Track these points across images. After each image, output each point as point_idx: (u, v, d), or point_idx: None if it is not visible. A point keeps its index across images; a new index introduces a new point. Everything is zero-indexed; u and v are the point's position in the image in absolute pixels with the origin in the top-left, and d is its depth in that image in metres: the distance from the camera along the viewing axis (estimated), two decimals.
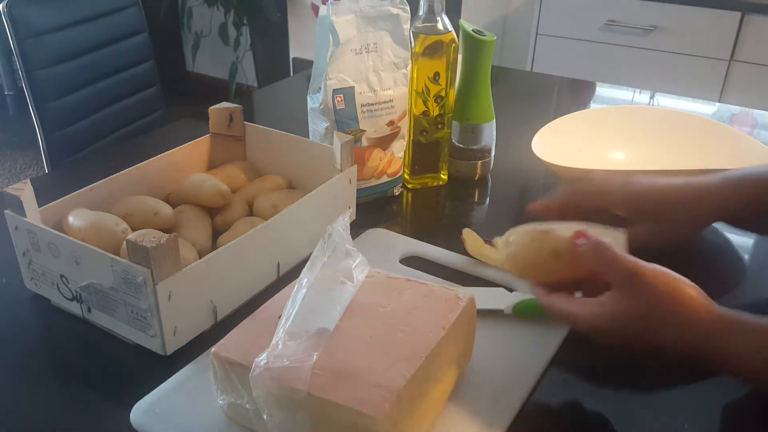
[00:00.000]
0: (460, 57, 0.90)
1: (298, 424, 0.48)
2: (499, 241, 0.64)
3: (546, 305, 0.58)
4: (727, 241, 0.82)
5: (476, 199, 0.95)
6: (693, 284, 0.53)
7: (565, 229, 0.58)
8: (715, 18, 2.11)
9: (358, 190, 0.85)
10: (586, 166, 0.82)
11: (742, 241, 0.83)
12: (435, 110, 0.89)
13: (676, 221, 0.69)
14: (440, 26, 0.85)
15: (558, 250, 0.57)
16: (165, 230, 0.71)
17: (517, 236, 0.61)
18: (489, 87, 0.92)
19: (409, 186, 0.94)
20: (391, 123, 0.86)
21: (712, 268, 0.78)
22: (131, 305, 0.61)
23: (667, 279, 0.53)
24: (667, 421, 0.57)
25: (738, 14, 2.07)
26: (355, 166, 0.81)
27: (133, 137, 1.59)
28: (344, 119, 0.83)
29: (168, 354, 0.62)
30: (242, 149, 0.90)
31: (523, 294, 0.68)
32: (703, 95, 2.04)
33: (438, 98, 0.88)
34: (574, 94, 1.40)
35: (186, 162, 0.85)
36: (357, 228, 0.81)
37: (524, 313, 0.66)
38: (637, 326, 0.53)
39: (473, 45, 0.88)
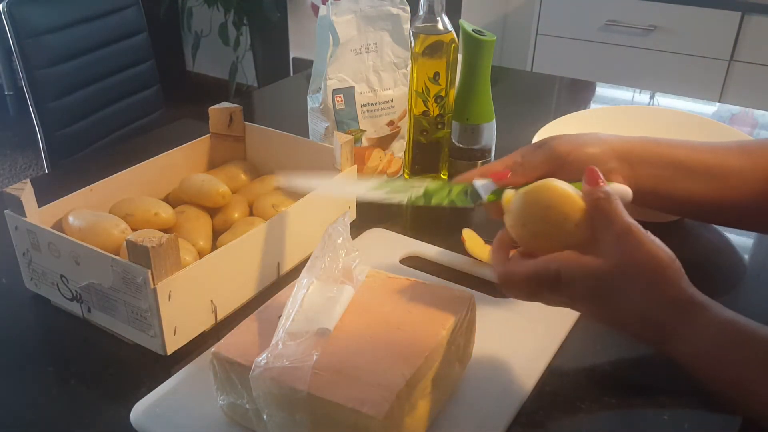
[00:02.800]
0: (460, 57, 0.90)
1: (298, 424, 0.48)
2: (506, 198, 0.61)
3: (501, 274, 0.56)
4: (727, 241, 0.82)
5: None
6: (677, 262, 0.52)
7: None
8: (715, 18, 2.11)
9: None
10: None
11: (742, 241, 0.83)
12: (435, 110, 0.89)
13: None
14: (440, 26, 0.85)
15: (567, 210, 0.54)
16: (165, 230, 0.71)
17: (516, 201, 0.57)
18: (489, 87, 0.92)
19: None
20: (391, 123, 0.86)
21: (712, 268, 0.78)
22: (131, 305, 0.61)
23: (656, 249, 0.51)
24: (667, 421, 0.57)
25: (738, 14, 2.07)
26: (355, 166, 0.81)
27: (133, 137, 1.59)
28: (344, 119, 0.83)
29: (168, 354, 0.62)
30: (242, 149, 0.90)
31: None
32: (703, 95, 2.04)
33: (438, 98, 0.88)
34: (574, 94, 1.40)
35: (186, 162, 0.85)
36: (357, 228, 0.81)
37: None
38: (613, 283, 0.51)
39: (473, 45, 0.88)
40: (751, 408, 0.52)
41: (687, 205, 0.66)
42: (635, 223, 0.52)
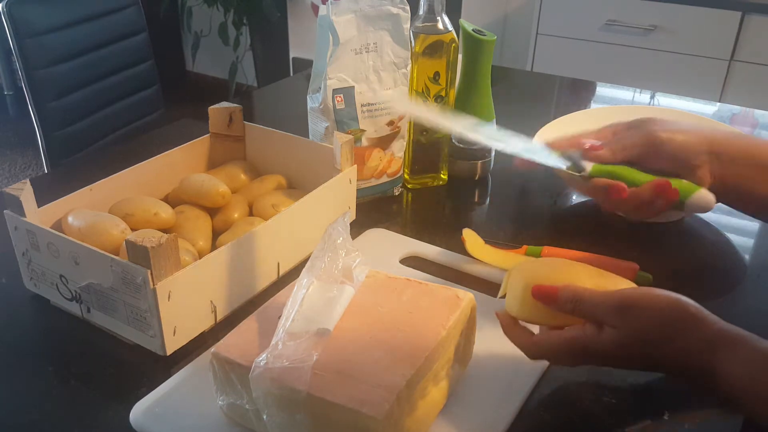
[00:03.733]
0: (460, 57, 0.89)
1: (298, 425, 0.48)
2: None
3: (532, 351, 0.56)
4: (728, 242, 0.82)
5: (476, 199, 0.95)
6: (685, 300, 0.51)
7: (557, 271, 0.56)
8: (715, 18, 2.11)
9: (358, 190, 0.85)
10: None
11: (742, 241, 0.83)
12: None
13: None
14: (440, 26, 0.85)
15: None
16: (165, 230, 0.71)
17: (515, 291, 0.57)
18: (489, 87, 0.92)
19: (409, 186, 0.94)
20: (391, 123, 0.86)
21: (713, 269, 0.78)
22: (131, 305, 0.61)
23: (665, 299, 0.50)
24: (667, 421, 0.57)
25: (738, 14, 2.07)
26: (355, 166, 0.81)
27: (133, 137, 1.59)
28: (344, 119, 0.83)
29: (168, 354, 0.62)
30: (242, 149, 0.90)
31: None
32: (703, 95, 2.04)
33: (438, 98, 0.88)
34: (574, 94, 1.40)
35: (186, 162, 0.85)
36: (357, 228, 0.81)
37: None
38: (635, 354, 0.51)
39: (473, 45, 0.88)
40: None
41: (764, 207, 0.66)
42: (623, 295, 0.51)
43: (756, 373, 0.48)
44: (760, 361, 0.48)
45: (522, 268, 0.57)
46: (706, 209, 0.68)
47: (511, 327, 0.57)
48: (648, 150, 0.65)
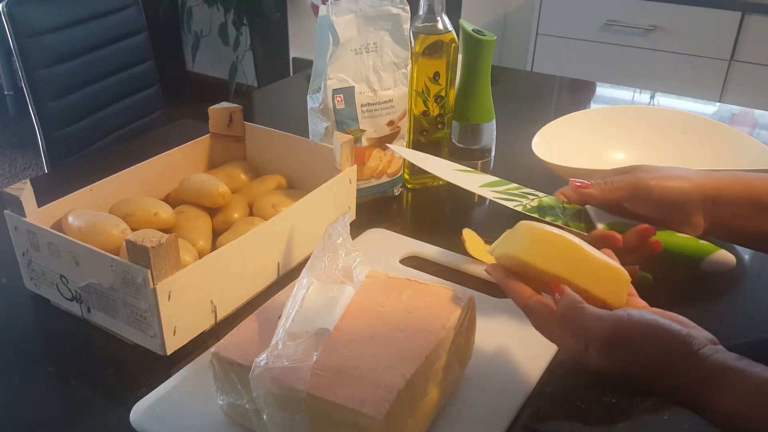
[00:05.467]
0: (460, 57, 0.90)
1: (298, 424, 0.48)
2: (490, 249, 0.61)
3: (524, 310, 0.55)
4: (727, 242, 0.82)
5: (476, 199, 0.95)
6: (679, 330, 0.49)
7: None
8: (715, 18, 2.11)
9: (358, 190, 0.85)
10: (586, 166, 0.82)
11: None
12: (435, 110, 0.89)
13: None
14: (440, 26, 0.85)
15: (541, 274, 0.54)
16: (165, 230, 0.71)
17: (515, 237, 0.57)
18: (489, 87, 0.92)
19: (409, 186, 0.94)
20: (391, 123, 0.86)
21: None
22: (131, 305, 0.61)
23: (650, 331, 0.49)
24: (667, 421, 0.57)
25: (738, 14, 2.07)
26: (355, 166, 0.81)
27: (133, 137, 1.59)
28: (344, 119, 0.83)
29: (168, 354, 0.62)
30: (242, 149, 0.90)
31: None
32: (703, 95, 2.04)
33: (438, 98, 0.88)
34: (574, 94, 1.40)
35: (186, 162, 0.85)
36: (357, 228, 0.81)
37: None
38: (625, 377, 0.50)
39: (473, 45, 0.88)
40: None
41: (763, 241, 0.65)
42: (617, 321, 0.50)
43: (751, 411, 0.47)
44: (755, 395, 0.47)
45: (530, 225, 0.56)
46: (725, 268, 0.69)
47: (509, 280, 0.55)
48: (636, 194, 0.65)
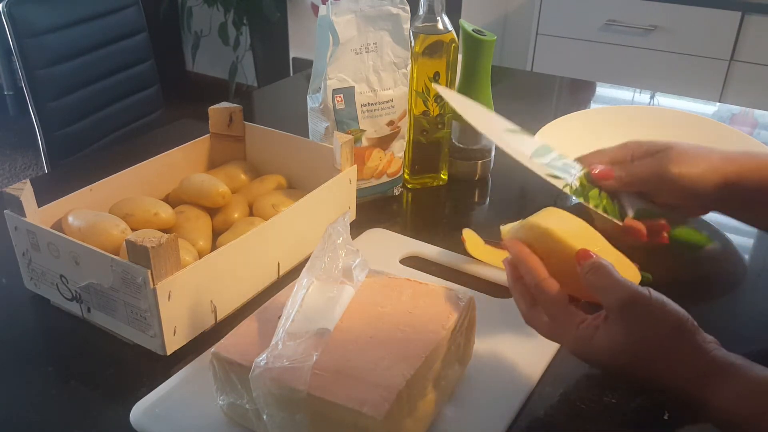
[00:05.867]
0: (460, 57, 0.90)
1: (298, 424, 0.48)
2: (505, 228, 0.62)
3: (527, 320, 0.56)
4: (728, 241, 0.82)
5: (476, 199, 0.95)
6: (690, 319, 0.50)
7: (570, 235, 0.56)
8: (715, 18, 2.11)
9: (358, 190, 0.85)
10: None
11: (742, 241, 0.83)
12: (435, 110, 0.89)
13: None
14: (440, 26, 0.85)
15: (562, 258, 0.55)
16: (165, 230, 0.71)
17: (521, 231, 0.58)
18: (489, 87, 0.92)
19: (409, 186, 0.94)
20: (391, 123, 0.86)
21: (713, 269, 0.78)
22: (131, 305, 0.61)
23: (665, 311, 0.49)
24: (667, 421, 0.57)
25: (738, 14, 2.07)
26: (355, 166, 0.81)
27: (133, 137, 1.59)
28: (344, 119, 0.83)
29: (168, 354, 0.62)
30: (242, 149, 0.90)
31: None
32: (703, 95, 2.04)
33: (438, 98, 0.88)
34: (574, 94, 1.40)
35: (186, 162, 0.85)
36: (357, 228, 0.81)
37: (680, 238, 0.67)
38: (629, 355, 0.50)
39: (473, 45, 0.88)
40: None
41: None
42: (638, 290, 0.50)
43: (748, 408, 0.47)
44: (752, 393, 0.48)
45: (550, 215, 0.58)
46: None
47: (528, 255, 0.55)
48: (658, 185, 0.65)
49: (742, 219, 0.71)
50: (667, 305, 0.50)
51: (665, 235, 0.66)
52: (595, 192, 0.67)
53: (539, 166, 0.67)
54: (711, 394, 0.48)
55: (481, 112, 0.75)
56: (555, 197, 0.93)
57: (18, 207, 0.66)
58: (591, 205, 0.66)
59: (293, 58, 3.21)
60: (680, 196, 0.65)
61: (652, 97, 1.36)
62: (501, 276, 0.73)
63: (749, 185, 0.64)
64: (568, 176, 0.67)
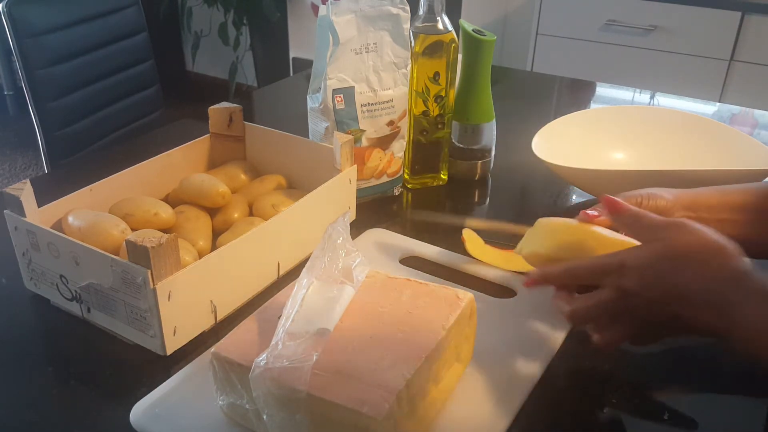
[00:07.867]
0: (460, 57, 0.90)
1: (297, 424, 0.48)
2: (520, 245, 0.66)
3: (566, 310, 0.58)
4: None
5: (476, 199, 0.95)
6: (728, 241, 0.53)
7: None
8: (715, 18, 2.11)
9: (358, 190, 0.85)
10: (586, 166, 0.82)
11: None
12: (435, 110, 0.89)
13: None
14: (440, 26, 0.85)
15: (588, 246, 0.59)
16: (165, 230, 0.71)
17: (537, 235, 0.63)
18: (489, 87, 0.92)
19: (409, 186, 0.94)
20: (391, 123, 0.86)
21: None
22: (131, 305, 0.61)
23: (696, 227, 0.54)
24: (667, 421, 0.57)
25: (738, 14, 2.07)
26: (355, 166, 0.81)
27: (133, 137, 1.59)
28: (344, 119, 0.83)
29: (168, 354, 0.62)
30: (242, 149, 0.90)
31: None
32: (703, 95, 2.04)
33: (438, 98, 0.88)
34: (574, 94, 1.40)
35: (186, 162, 0.85)
36: (357, 228, 0.81)
37: None
38: (668, 267, 0.53)
39: (473, 45, 0.88)
40: None
41: (746, 245, 0.67)
42: (681, 219, 0.55)
43: None
44: None
45: (549, 220, 0.63)
46: None
47: (548, 266, 0.60)
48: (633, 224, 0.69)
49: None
50: (713, 234, 0.53)
51: None
52: None
53: None
54: (739, 304, 0.50)
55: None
56: (555, 197, 0.93)
57: (18, 207, 0.66)
58: None
59: (293, 58, 3.21)
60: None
61: (652, 97, 1.36)
62: (501, 276, 0.73)
63: (705, 204, 0.67)
64: None
